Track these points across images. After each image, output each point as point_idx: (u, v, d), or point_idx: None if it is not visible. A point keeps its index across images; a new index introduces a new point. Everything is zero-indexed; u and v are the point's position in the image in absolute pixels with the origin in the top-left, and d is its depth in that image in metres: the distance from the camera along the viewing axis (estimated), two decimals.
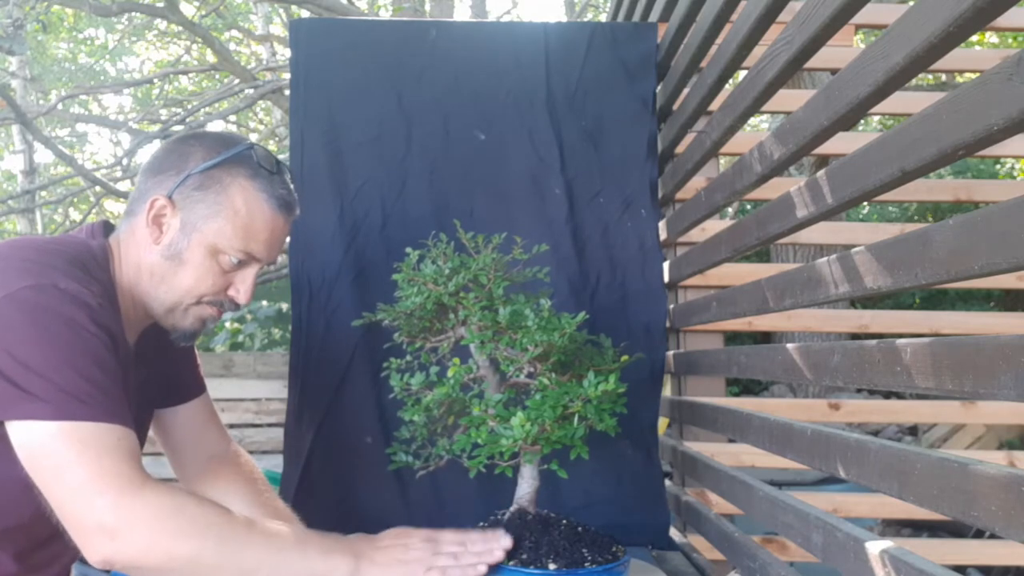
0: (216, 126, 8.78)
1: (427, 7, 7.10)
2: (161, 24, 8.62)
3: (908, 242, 0.82)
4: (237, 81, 6.58)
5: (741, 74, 1.47)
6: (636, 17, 2.19)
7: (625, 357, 1.28)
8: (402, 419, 1.28)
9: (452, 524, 1.31)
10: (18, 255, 1.04)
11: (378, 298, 1.39)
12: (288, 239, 1.79)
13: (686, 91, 1.72)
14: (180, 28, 7.15)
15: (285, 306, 5.22)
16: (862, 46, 1.04)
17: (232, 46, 9.80)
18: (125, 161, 6.55)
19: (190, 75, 9.91)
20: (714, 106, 1.55)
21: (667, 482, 1.83)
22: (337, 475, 1.66)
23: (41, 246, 1.08)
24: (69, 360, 0.96)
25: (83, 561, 1.49)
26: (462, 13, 9.73)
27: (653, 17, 2.02)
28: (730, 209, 4.46)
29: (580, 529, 1.23)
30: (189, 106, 7.55)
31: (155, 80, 8.99)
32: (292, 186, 1.23)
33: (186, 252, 1.15)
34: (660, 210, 1.90)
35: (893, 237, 0.86)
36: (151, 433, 1.43)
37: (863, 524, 2.89)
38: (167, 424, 1.41)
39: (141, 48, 11.10)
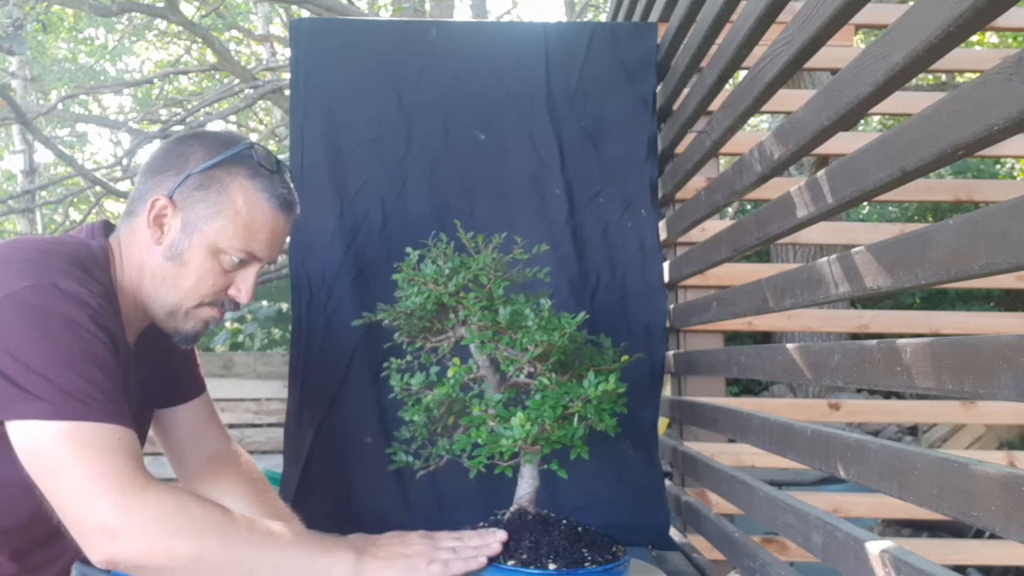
0: (216, 126, 8.78)
1: (427, 7, 7.10)
2: (161, 24, 8.62)
3: (908, 242, 0.82)
4: (237, 81, 6.58)
5: (741, 74, 1.47)
6: (636, 17, 2.19)
7: (625, 357, 1.28)
8: (402, 419, 1.28)
9: (452, 524, 1.31)
10: (18, 255, 1.04)
11: (378, 298, 1.39)
12: (288, 239, 1.79)
13: (686, 91, 1.72)
14: (180, 28, 7.15)
15: (285, 306, 5.22)
16: (862, 46, 1.04)
17: (232, 46, 9.80)
18: (125, 161, 6.55)
19: (190, 75, 9.91)
20: (714, 106, 1.55)
21: (667, 482, 1.83)
22: (337, 475, 1.66)
23: (41, 246, 1.08)
24: (69, 360, 0.96)
25: (83, 561, 1.49)
26: (462, 13, 9.73)
27: (653, 17, 2.02)
28: (730, 209, 4.46)
29: (580, 529, 1.23)
30: (189, 106, 7.55)
31: (155, 80, 8.99)
32: (292, 185, 1.23)
33: (187, 252, 1.14)
34: (660, 210, 1.90)
35: (893, 237, 0.86)
36: (151, 433, 1.43)
37: (863, 524, 2.89)
38: (167, 424, 1.41)
39: (141, 48, 11.10)
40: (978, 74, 0.69)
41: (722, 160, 2.57)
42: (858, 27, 2.49)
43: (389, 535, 1.16)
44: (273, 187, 1.17)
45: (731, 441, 1.94)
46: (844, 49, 2.12)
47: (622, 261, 1.77)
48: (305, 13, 5.69)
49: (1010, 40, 6.91)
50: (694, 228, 1.76)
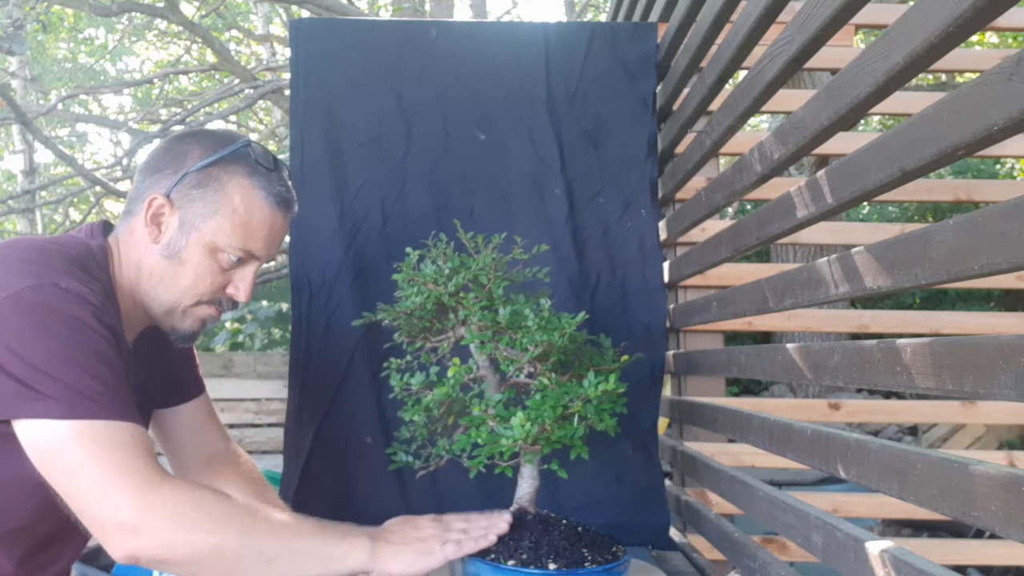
0: (216, 126, 8.77)
1: (427, 7, 7.10)
2: (161, 24, 8.62)
3: (908, 242, 0.82)
4: (237, 81, 6.58)
5: (741, 74, 1.47)
6: (636, 17, 2.19)
7: (625, 357, 1.28)
8: (402, 419, 1.28)
9: None
10: (18, 255, 1.04)
11: (378, 298, 1.39)
12: (288, 239, 1.79)
13: (686, 91, 1.72)
14: (180, 28, 7.15)
15: (285, 306, 5.22)
16: (862, 46, 1.04)
17: (232, 46, 9.80)
18: (125, 161, 6.56)
19: (190, 75, 9.91)
20: (714, 106, 1.55)
21: (667, 482, 1.83)
22: (337, 475, 1.66)
23: (41, 246, 1.08)
24: (75, 358, 0.96)
25: (83, 561, 1.49)
26: (462, 13, 9.73)
27: (653, 17, 2.02)
28: (730, 209, 4.46)
29: (580, 529, 1.23)
30: (189, 106, 7.56)
31: (155, 80, 8.99)
32: (290, 183, 1.22)
33: (185, 251, 1.14)
34: (660, 210, 1.90)
35: (893, 237, 0.86)
36: (151, 433, 1.43)
37: (863, 524, 2.89)
38: (167, 424, 1.41)
39: (141, 48, 11.10)
40: (978, 74, 0.69)
41: (722, 160, 2.57)
42: (858, 27, 2.49)
43: (399, 519, 1.17)
44: (271, 185, 1.17)
45: (731, 441, 1.94)
46: (844, 49, 2.12)
47: (622, 261, 1.77)
48: (305, 13, 5.69)
49: (1010, 40, 6.91)
50: (694, 228, 1.76)
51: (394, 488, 1.64)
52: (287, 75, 5.38)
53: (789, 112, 1.90)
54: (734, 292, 1.47)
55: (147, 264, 1.15)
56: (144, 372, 1.25)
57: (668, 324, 1.85)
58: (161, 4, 6.05)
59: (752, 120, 2.21)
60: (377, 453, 1.60)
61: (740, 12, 1.32)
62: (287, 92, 3.07)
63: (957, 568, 1.72)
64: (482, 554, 1.14)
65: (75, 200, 9.44)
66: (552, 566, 1.11)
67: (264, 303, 5.35)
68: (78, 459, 0.93)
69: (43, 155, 9.65)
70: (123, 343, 1.08)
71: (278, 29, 9.52)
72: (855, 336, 2.86)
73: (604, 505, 1.63)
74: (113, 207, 10.10)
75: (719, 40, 1.46)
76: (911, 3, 0.78)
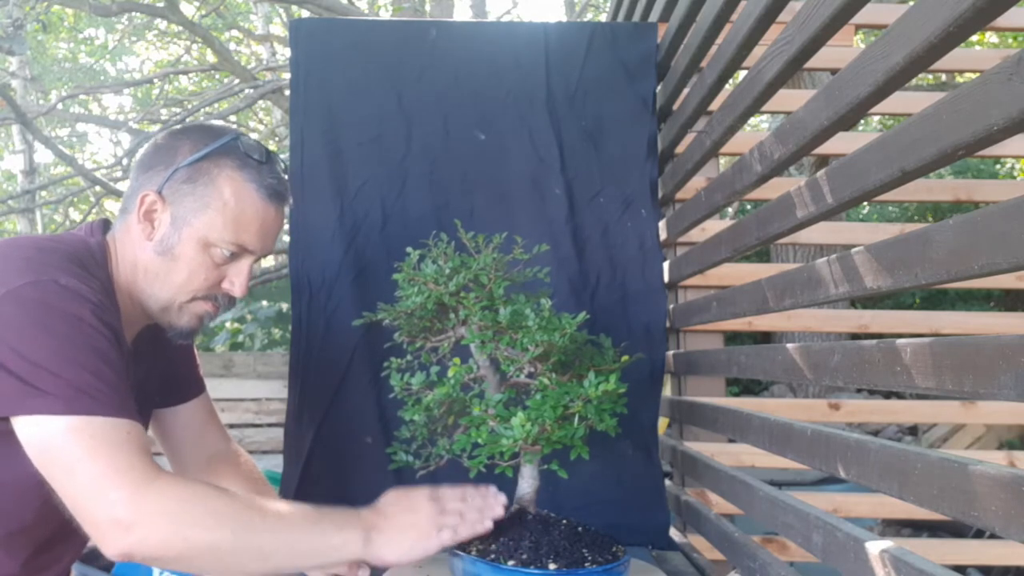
0: None
1: (427, 7, 7.10)
2: (161, 24, 8.62)
3: (908, 242, 0.82)
4: (237, 81, 6.58)
5: (741, 74, 1.47)
6: (636, 17, 2.19)
7: (625, 357, 1.28)
8: (402, 419, 1.28)
9: None
10: (17, 253, 1.04)
11: (378, 298, 1.39)
12: (288, 239, 1.79)
13: (686, 91, 1.72)
14: (180, 28, 7.15)
15: (285, 306, 5.23)
16: (862, 46, 1.04)
17: (232, 46, 9.80)
18: (125, 161, 6.55)
19: (190, 75, 9.91)
20: (714, 106, 1.55)
21: (667, 482, 1.83)
22: (337, 475, 1.66)
23: (40, 244, 1.08)
24: (74, 355, 0.96)
25: (83, 560, 1.49)
26: (462, 13, 9.74)
27: (653, 17, 2.02)
28: (730, 209, 4.46)
29: (580, 529, 1.23)
30: (189, 106, 7.56)
31: (155, 80, 8.99)
32: (283, 176, 1.21)
33: (178, 247, 1.14)
34: (660, 210, 1.90)
35: (893, 237, 0.86)
36: (150, 433, 1.43)
37: (863, 524, 2.89)
38: (166, 424, 1.41)
39: (141, 48, 11.10)
40: (978, 74, 0.69)
41: (722, 160, 2.57)
42: (858, 27, 2.49)
43: (394, 495, 1.17)
44: (261, 177, 1.16)
45: (731, 441, 1.94)
46: (844, 49, 2.11)
47: (622, 261, 1.77)
48: (305, 13, 5.69)
49: (1010, 40, 6.91)
50: (694, 228, 1.76)
51: (394, 488, 1.64)
52: (287, 75, 5.38)
53: (789, 112, 1.90)
54: (734, 292, 1.47)
55: (142, 261, 1.15)
56: (143, 371, 1.25)
57: (668, 324, 1.85)
58: (161, 4, 6.05)
59: (752, 120, 2.21)
60: (377, 453, 1.60)
61: (740, 12, 1.32)
62: (287, 92, 3.07)
63: (957, 568, 1.72)
64: (482, 554, 1.14)
65: (75, 200, 9.44)
66: (552, 566, 1.11)
67: (264, 303, 5.35)
68: (75, 455, 0.93)
69: (43, 155, 9.65)
70: (122, 341, 1.08)
71: (278, 29, 9.52)
72: (855, 336, 2.86)
73: (604, 505, 1.63)
74: (113, 207, 10.09)
75: (719, 40, 1.46)
76: (911, 3, 0.78)
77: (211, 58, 8.37)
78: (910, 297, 5.92)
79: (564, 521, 1.23)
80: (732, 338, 4.54)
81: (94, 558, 1.64)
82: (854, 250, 0.95)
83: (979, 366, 0.69)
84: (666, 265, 1.87)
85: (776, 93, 1.25)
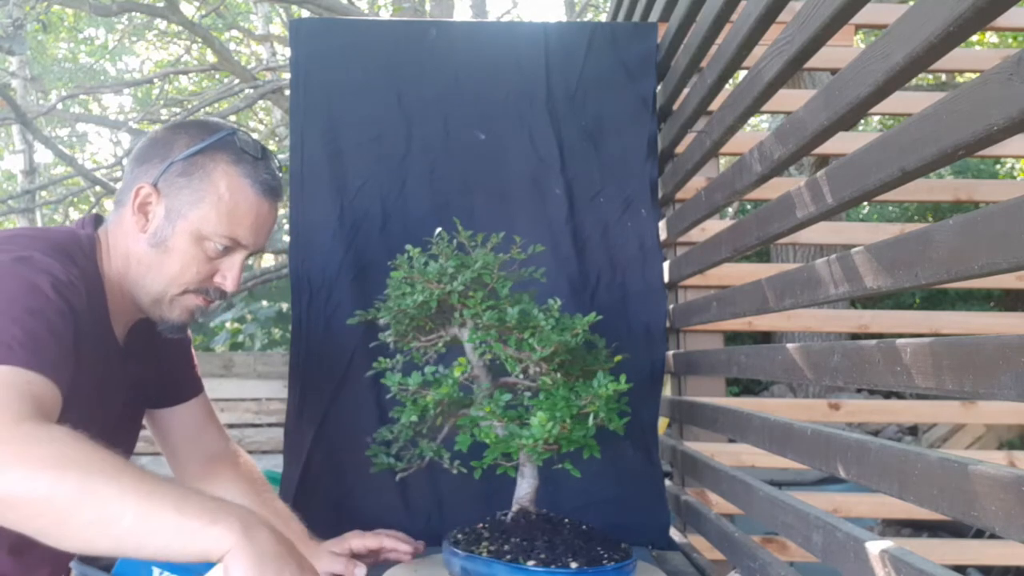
0: None
1: (427, 7, 7.10)
2: (161, 24, 8.62)
3: (908, 242, 0.82)
4: (237, 81, 6.58)
5: (741, 74, 1.47)
6: (636, 17, 2.19)
7: (618, 357, 1.28)
8: (397, 419, 1.28)
9: (451, 524, 1.32)
10: (4, 236, 1.07)
11: (378, 298, 1.39)
12: (288, 239, 1.79)
13: (686, 91, 1.72)
14: (180, 28, 7.15)
15: (285, 306, 5.23)
16: (862, 46, 1.04)
17: (232, 46, 9.80)
18: (125, 161, 6.55)
19: (190, 75, 9.91)
20: (714, 106, 1.55)
21: (667, 482, 1.83)
22: (337, 475, 1.66)
23: (27, 233, 1.10)
24: (10, 311, 0.95)
25: (82, 560, 1.49)
26: (462, 13, 9.74)
27: (653, 17, 2.02)
28: (730, 209, 4.46)
29: (584, 528, 1.24)
30: (189, 106, 7.55)
31: (155, 80, 8.99)
32: (278, 171, 1.22)
33: (171, 239, 1.14)
34: (660, 210, 1.90)
35: (893, 237, 0.86)
36: (150, 433, 1.43)
37: (863, 524, 2.89)
38: (164, 424, 1.41)
39: (141, 48, 11.10)
40: (978, 74, 0.69)
41: (722, 160, 2.57)
42: (858, 27, 2.49)
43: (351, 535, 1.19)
44: (256, 172, 1.17)
45: (731, 441, 1.94)
46: (844, 49, 2.11)
47: (622, 261, 1.77)
48: (305, 13, 5.69)
49: (1010, 40, 6.91)
50: (694, 228, 1.76)
51: (394, 488, 1.64)
52: (287, 75, 5.38)
53: (789, 112, 1.90)
54: (734, 292, 1.47)
55: (135, 253, 1.16)
56: (135, 369, 1.25)
57: (668, 324, 1.85)
58: (161, 4, 6.04)
59: (752, 120, 2.21)
60: None
61: (740, 12, 1.32)
62: (287, 92, 3.07)
63: (957, 568, 1.72)
64: (496, 555, 1.13)
65: (75, 200, 9.44)
66: (573, 564, 1.11)
67: (264, 303, 5.35)
68: None
69: (43, 155, 9.64)
70: (84, 322, 1.06)
71: (278, 29, 9.52)
72: (855, 336, 2.86)
73: (604, 505, 1.63)
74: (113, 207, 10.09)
75: (719, 40, 1.46)
76: (911, 3, 0.78)
77: (211, 58, 8.37)
78: (910, 297, 5.92)
79: (567, 521, 1.24)
80: (732, 338, 4.54)
81: (94, 558, 1.64)
82: (854, 250, 0.95)
83: (979, 366, 0.69)
84: (666, 265, 1.87)
85: (776, 93, 1.25)
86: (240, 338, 5.18)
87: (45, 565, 1.15)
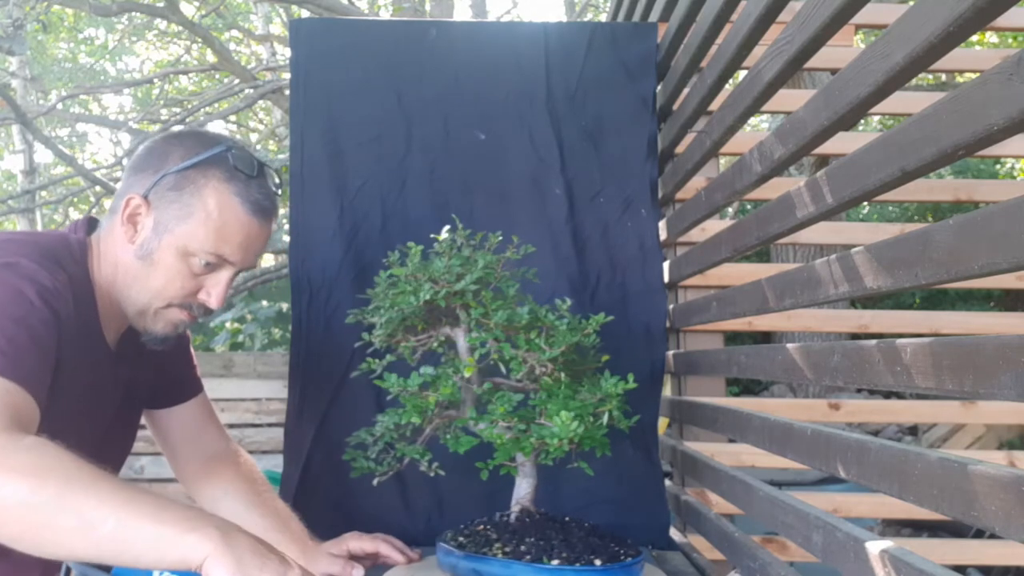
0: (216, 126, 8.78)
1: (427, 7, 7.10)
2: (161, 24, 8.62)
3: (908, 242, 0.82)
4: (237, 81, 6.58)
5: (741, 74, 1.47)
6: (636, 17, 2.19)
7: (605, 357, 1.29)
8: (377, 421, 1.28)
9: (451, 524, 1.32)
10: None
11: (362, 296, 1.39)
12: (288, 239, 1.79)
13: (686, 91, 1.72)
14: (180, 28, 7.15)
15: (285, 306, 5.22)
16: (862, 46, 1.04)
17: (232, 46, 9.80)
18: (125, 161, 6.56)
19: (190, 75, 9.91)
20: (714, 106, 1.55)
21: (667, 482, 1.83)
22: (337, 475, 1.66)
23: (16, 238, 1.10)
24: None
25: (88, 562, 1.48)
26: (462, 13, 9.73)
27: (653, 17, 2.02)
28: (730, 209, 4.46)
29: (587, 526, 1.24)
30: (189, 106, 7.56)
31: (155, 80, 8.99)
32: (275, 191, 1.21)
33: (157, 253, 1.14)
34: (660, 210, 1.90)
35: (893, 237, 0.86)
36: (149, 433, 1.43)
37: (863, 524, 2.89)
38: (164, 424, 1.41)
39: (141, 48, 11.10)
40: (978, 74, 0.69)
41: (722, 160, 2.57)
42: (858, 27, 2.49)
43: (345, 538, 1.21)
44: (248, 192, 1.16)
45: (731, 441, 1.94)
46: (844, 49, 2.11)
47: (622, 261, 1.77)
48: (305, 13, 5.69)
49: (1010, 40, 6.91)
50: (694, 228, 1.76)
51: (394, 488, 1.64)
52: (287, 75, 5.38)
53: (789, 112, 1.90)
54: (734, 292, 1.47)
55: (122, 263, 1.16)
56: (128, 373, 1.25)
57: (668, 324, 1.85)
58: (161, 4, 6.04)
59: (752, 120, 2.21)
60: None
61: (740, 12, 1.32)
62: (287, 92, 3.07)
63: (957, 568, 1.72)
64: (514, 555, 1.13)
65: (75, 200, 9.44)
66: (597, 562, 1.11)
67: (264, 303, 5.35)
68: None
69: (43, 155, 9.65)
70: (71, 328, 1.06)
71: (278, 29, 9.52)
72: (855, 336, 2.86)
73: (604, 505, 1.63)
74: None
75: (719, 40, 1.46)
76: (911, 3, 0.78)
77: (211, 58, 8.37)
78: (910, 297, 5.92)
79: (568, 519, 1.24)
80: (732, 338, 4.54)
81: None
82: (854, 250, 0.95)
83: (979, 366, 0.69)
84: (666, 265, 1.87)
85: (776, 93, 1.25)
86: (240, 338, 5.18)
87: (36, 568, 1.15)
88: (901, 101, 2.06)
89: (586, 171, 1.79)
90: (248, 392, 3.67)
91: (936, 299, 5.85)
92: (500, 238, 1.33)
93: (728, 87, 1.52)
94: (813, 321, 2.38)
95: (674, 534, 1.72)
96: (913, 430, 4.76)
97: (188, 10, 7.69)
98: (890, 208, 6.54)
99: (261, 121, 10.37)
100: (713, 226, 2.00)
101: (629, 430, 1.28)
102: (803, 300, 1.13)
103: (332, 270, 1.71)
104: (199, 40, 7.17)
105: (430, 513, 1.65)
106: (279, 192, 1.23)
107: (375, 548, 1.38)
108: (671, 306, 1.94)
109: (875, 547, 0.87)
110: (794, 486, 3.10)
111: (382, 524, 1.50)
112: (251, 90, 6.08)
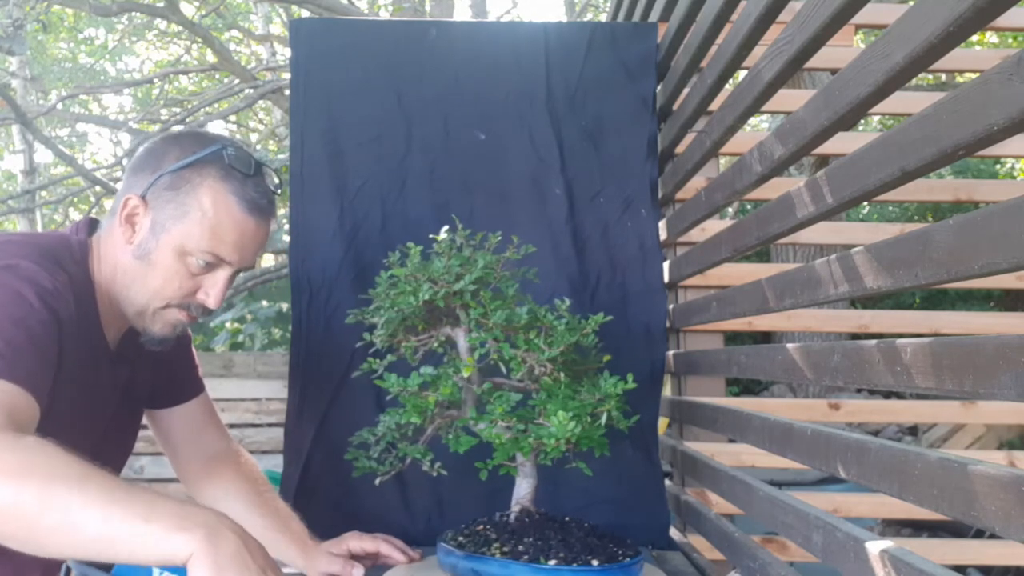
0: (216, 126, 8.78)
1: (427, 7, 7.10)
2: (161, 24, 8.62)
3: (908, 242, 0.82)
4: (237, 81, 6.58)
5: (741, 74, 1.47)
6: (636, 17, 2.19)
7: (606, 357, 1.29)
8: (378, 420, 1.28)
9: (451, 523, 1.32)
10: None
11: (365, 296, 1.39)
12: (288, 239, 1.79)
13: (686, 91, 1.72)
14: (180, 28, 7.15)
15: (285, 306, 5.22)
16: (862, 46, 1.04)
17: (232, 46, 9.80)
18: (125, 161, 6.56)
19: (190, 75, 9.91)
20: (714, 106, 1.55)
21: (667, 482, 1.83)
22: (337, 475, 1.66)
23: (16, 239, 1.10)
24: None
25: (82, 560, 1.48)
26: (462, 13, 9.73)
27: (653, 17, 2.02)
28: (730, 209, 4.46)
29: (586, 526, 1.24)
30: (189, 106, 7.56)
31: (155, 80, 8.99)
32: (272, 190, 1.21)
33: (154, 253, 1.14)
34: (660, 210, 1.90)
35: (893, 237, 0.86)
36: (150, 433, 1.43)
37: (863, 524, 2.89)
38: (165, 424, 1.41)
39: (141, 48, 11.10)
40: (978, 74, 0.69)
41: (722, 160, 2.57)
42: (858, 27, 2.49)
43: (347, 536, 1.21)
44: (244, 190, 1.15)
45: (731, 441, 1.94)
46: (844, 49, 2.11)
47: (622, 261, 1.77)
48: (305, 13, 5.69)
49: (1010, 40, 6.91)
50: (694, 228, 1.76)
51: (394, 488, 1.64)
52: (287, 75, 5.38)
53: (789, 112, 1.90)
54: (734, 292, 1.47)
55: (121, 264, 1.16)
56: (129, 373, 1.25)
57: (668, 324, 1.85)
58: (161, 4, 6.05)
59: (752, 120, 2.21)
60: None
61: (740, 12, 1.32)
62: (287, 92, 3.07)
63: (957, 568, 1.72)
64: (512, 555, 1.13)
65: (75, 200, 9.44)
66: (595, 562, 1.11)
67: (264, 303, 5.35)
68: None
69: (43, 155, 9.65)
70: (71, 329, 1.06)
71: (278, 29, 9.52)
72: (855, 336, 2.86)
73: (604, 505, 1.63)
74: None
75: (719, 40, 1.46)
76: (911, 3, 0.78)
77: (211, 58, 8.37)
78: (910, 297, 5.92)
79: (567, 519, 1.24)
80: (732, 338, 4.54)
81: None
82: (854, 250, 0.95)
83: (979, 366, 0.69)
84: (666, 265, 1.87)
85: (776, 93, 1.25)
86: (240, 338, 5.18)
87: (36, 568, 1.15)
88: (901, 101, 2.06)
89: (586, 171, 1.79)
90: (248, 392, 3.67)
91: (936, 299, 5.85)
92: (500, 238, 1.33)
93: (728, 87, 1.52)
94: (813, 321, 2.38)
95: (674, 534, 1.72)
96: (913, 430, 4.76)
97: (188, 10, 7.69)
98: (890, 208, 6.54)
99: (261, 121, 10.37)
100: (713, 226, 2.00)
101: (629, 430, 1.28)
102: (803, 300, 1.13)
103: (332, 270, 1.71)
104: (199, 40, 7.17)
105: (430, 513, 1.65)
106: (278, 192, 1.23)
107: (375, 548, 1.38)
108: (671, 306, 1.94)
109: (875, 547, 0.87)
110: (794, 486, 3.10)
111: (382, 524, 1.50)
112: (251, 90, 6.08)
